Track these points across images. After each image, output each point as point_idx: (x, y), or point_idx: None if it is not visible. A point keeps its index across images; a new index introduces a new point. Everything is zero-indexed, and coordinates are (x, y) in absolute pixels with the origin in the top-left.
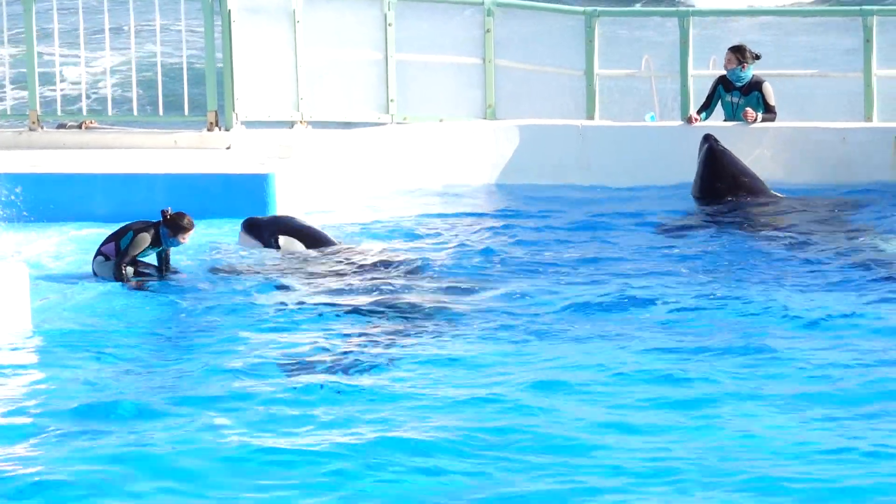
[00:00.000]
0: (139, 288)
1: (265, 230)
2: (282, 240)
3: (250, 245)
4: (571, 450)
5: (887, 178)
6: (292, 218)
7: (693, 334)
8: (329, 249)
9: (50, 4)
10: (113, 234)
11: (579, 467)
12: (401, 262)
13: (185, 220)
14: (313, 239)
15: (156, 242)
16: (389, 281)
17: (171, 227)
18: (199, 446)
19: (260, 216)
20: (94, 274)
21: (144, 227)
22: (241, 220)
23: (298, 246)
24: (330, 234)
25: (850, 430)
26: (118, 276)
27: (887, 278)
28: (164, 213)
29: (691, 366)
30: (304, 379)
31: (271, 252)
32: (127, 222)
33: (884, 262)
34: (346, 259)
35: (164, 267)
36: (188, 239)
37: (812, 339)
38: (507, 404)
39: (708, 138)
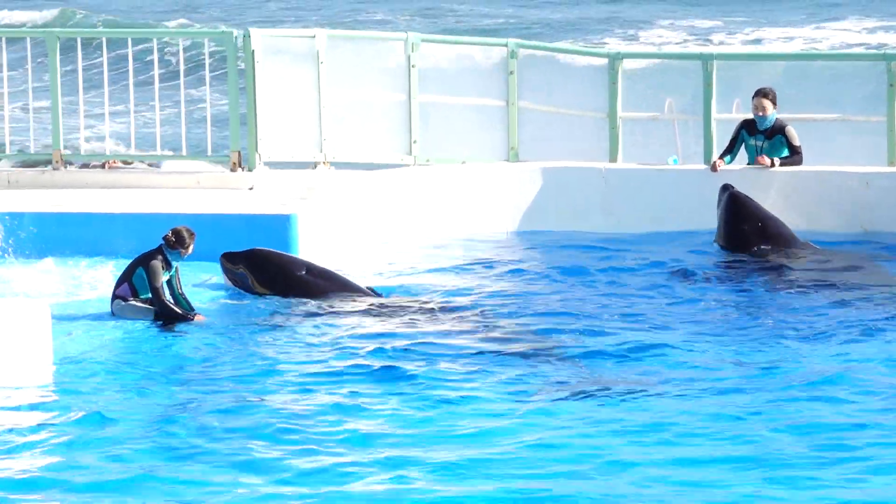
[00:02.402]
0: (199, 320)
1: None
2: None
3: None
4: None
5: None
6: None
7: (728, 388)
8: (356, 294)
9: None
10: (123, 276)
11: None
12: (425, 307)
13: (186, 232)
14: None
15: (165, 266)
16: (411, 326)
17: (177, 243)
18: (217, 489)
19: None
20: (114, 317)
21: (149, 256)
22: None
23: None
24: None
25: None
26: (174, 315)
27: None
28: (166, 238)
29: (723, 421)
30: (331, 430)
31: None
32: (129, 261)
33: None
34: (373, 304)
35: (184, 301)
36: (191, 249)
37: (849, 392)
38: (527, 457)
39: (727, 187)
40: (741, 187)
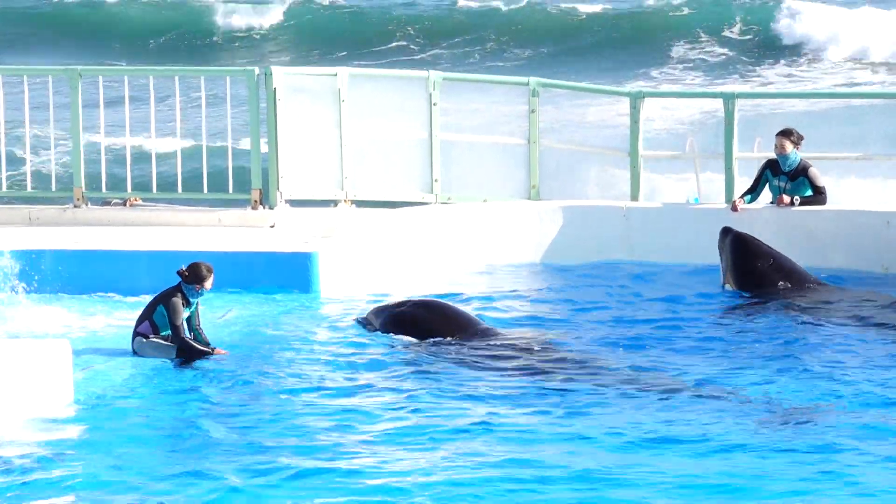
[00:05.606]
0: (220, 354)
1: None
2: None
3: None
4: None
5: None
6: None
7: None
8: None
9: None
10: (143, 314)
11: None
12: (445, 342)
13: (203, 267)
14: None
15: (185, 302)
16: (441, 360)
17: (192, 279)
18: None
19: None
20: (136, 354)
21: (170, 294)
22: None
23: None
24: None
25: None
26: (195, 351)
27: None
28: (181, 272)
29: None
30: (344, 444)
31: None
32: (150, 299)
33: None
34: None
35: (201, 336)
36: (209, 284)
37: (874, 427)
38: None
39: (728, 230)
40: (760, 226)
